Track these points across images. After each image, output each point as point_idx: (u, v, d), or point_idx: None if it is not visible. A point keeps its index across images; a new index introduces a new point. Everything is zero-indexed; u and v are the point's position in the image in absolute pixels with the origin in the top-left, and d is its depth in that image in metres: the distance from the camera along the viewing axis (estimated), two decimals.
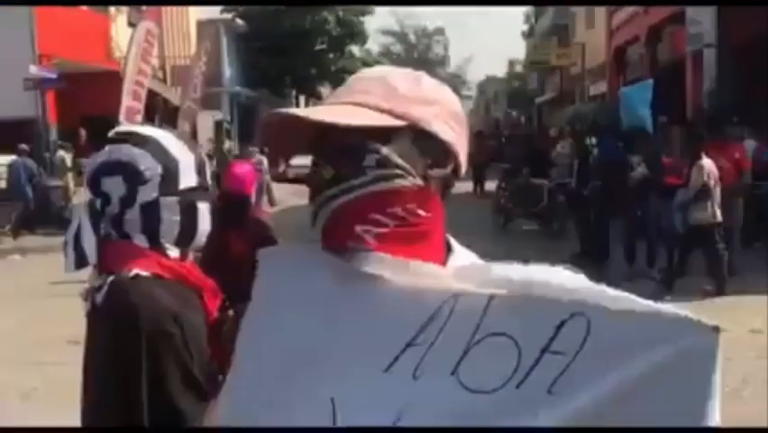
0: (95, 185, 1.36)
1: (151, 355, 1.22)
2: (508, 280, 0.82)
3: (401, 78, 0.92)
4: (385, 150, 0.86)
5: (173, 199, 1.37)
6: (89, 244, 1.35)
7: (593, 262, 8.86)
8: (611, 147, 9.49)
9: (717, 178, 7.55)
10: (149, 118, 15.27)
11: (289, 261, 0.93)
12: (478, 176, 19.10)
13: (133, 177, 1.34)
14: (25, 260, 10.95)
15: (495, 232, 12.08)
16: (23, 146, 13.57)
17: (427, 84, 0.94)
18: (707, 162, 7.57)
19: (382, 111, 0.88)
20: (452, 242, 0.96)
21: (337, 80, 35.91)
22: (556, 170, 12.58)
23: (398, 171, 0.86)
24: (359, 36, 34.10)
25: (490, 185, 13.75)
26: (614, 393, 0.74)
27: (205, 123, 23.37)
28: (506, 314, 0.79)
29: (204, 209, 1.42)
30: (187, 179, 1.39)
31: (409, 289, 0.83)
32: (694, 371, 0.74)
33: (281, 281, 0.91)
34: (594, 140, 11.20)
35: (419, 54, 73.95)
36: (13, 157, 13.63)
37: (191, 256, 1.45)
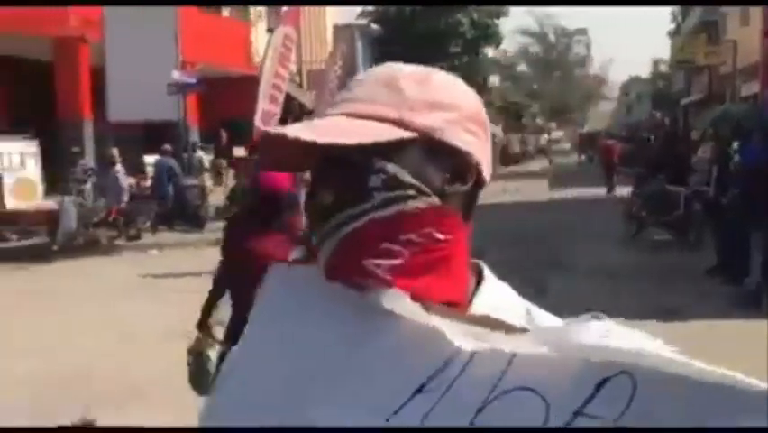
0: None
1: None
2: (545, 336, 0.69)
3: (407, 78, 0.80)
4: (392, 168, 0.75)
5: None
6: None
7: (730, 278, 8.22)
8: (757, 152, 8.73)
9: None
10: (284, 122, 15.85)
11: (299, 281, 0.82)
12: (608, 179, 18.48)
13: None
14: (162, 254, 11.61)
15: (624, 242, 11.49)
16: (166, 147, 14.47)
17: (439, 84, 0.81)
18: None
19: (386, 120, 0.76)
20: (485, 270, 0.84)
21: (469, 83, 35.67)
22: (696, 177, 11.80)
23: (410, 192, 0.75)
24: (493, 37, 33.75)
25: (625, 190, 13.18)
26: None
27: None
28: (535, 367, 0.67)
29: None
30: None
31: (424, 330, 0.72)
32: None
33: (287, 302, 0.81)
34: (738, 144, 10.39)
35: (558, 55, 72.12)
36: (157, 156, 14.57)
37: None
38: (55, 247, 11.64)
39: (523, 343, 0.69)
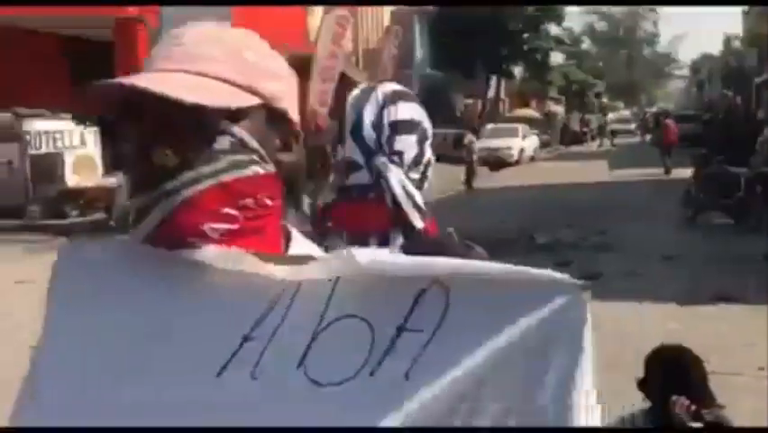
0: (390, 143, 1.32)
1: None
2: (358, 261, 0.72)
3: (247, 44, 0.80)
4: (239, 131, 0.75)
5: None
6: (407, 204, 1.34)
7: None
8: None
9: None
10: (338, 101, 15.87)
11: (98, 257, 0.79)
12: (663, 159, 18.08)
13: (424, 136, 1.33)
14: None
15: (681, 224, 11.13)
16: None
17: (274, 54, 0.82)
18: None
19: (232, 84, 0.76)
20: (292, 230, 0.86)
21: (530, 60, 35.15)
22: (758, 158, 11.32)
23: (254, 157, 0.75)
24: (555, 14, 32.98)
25: (686, 171, 12.75)
26: (482, 368, 0.66)
27: None
28: (356, 293, 0.70)
29: None
30: None
31: (244, 280, 0.72)
32: (566, 331, 0.68)
33: (88, 281, 0.78)
34: None
35: (625, 32, 70.09)
36: None
37: None
38: (112, 223, 11.99)
39: (342, 269, 0.71)
